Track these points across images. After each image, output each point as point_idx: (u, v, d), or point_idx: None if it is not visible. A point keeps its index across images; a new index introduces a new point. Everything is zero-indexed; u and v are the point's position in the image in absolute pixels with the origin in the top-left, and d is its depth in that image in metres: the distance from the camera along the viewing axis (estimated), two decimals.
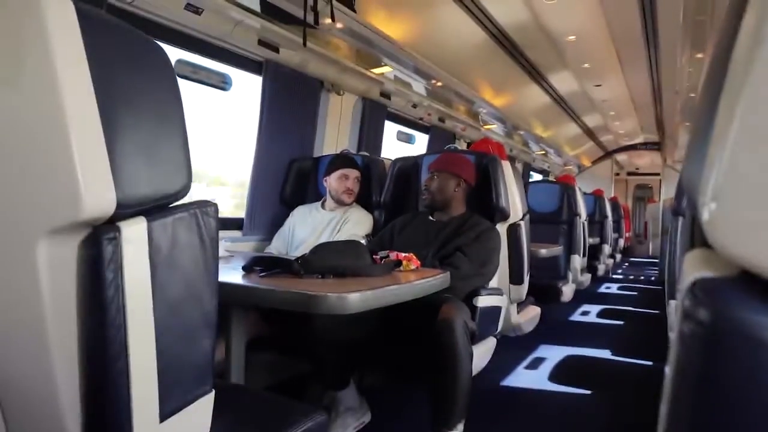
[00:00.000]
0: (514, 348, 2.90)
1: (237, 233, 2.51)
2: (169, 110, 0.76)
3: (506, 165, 2.24)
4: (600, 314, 4.27)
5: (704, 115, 0.41)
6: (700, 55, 4.02)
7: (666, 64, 4.94)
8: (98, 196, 0.66)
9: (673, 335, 0.38)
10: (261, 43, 2.43)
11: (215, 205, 0.83)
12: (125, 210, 0.70)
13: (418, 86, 3.88)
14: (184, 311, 0.78)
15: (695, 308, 0.35)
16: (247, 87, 2.68)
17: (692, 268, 0.37)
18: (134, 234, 0.71)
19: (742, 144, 0.35)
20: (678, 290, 0.40)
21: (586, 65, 5.13)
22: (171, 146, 0.76)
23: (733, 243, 0.35)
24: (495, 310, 2.02)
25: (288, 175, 2.65)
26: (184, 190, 0.78)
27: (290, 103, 2.66)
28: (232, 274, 1.34)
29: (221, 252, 1.62)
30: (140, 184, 0.72)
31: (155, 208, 0.75)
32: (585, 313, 4.27)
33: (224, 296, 0.93)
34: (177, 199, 0.78)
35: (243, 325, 1.40)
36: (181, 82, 1.76)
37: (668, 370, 0.39)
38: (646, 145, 10.25)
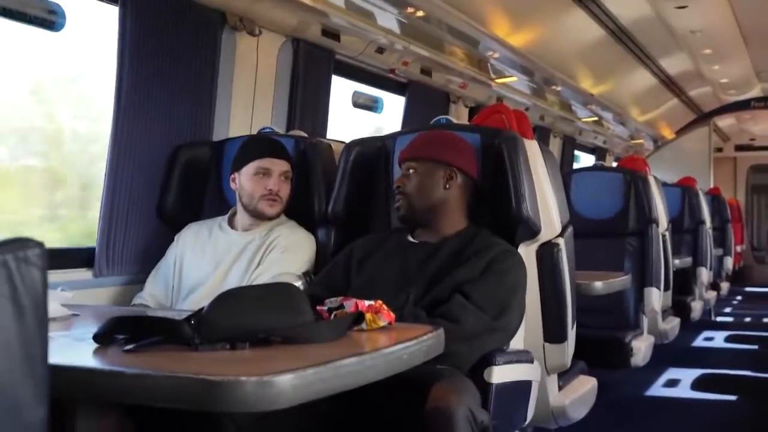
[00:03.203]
0: None
1: (84, 274, 2.50)
2: None
3: (532, 146, 2.28)
4: (697, 385, 4.33)
5: None
6: None
7: None
8: None
9: None
10: None
11: (40, 245, 0.81)
12: None
13: (387, 18, 3.90)
14: None
15: None
16: (97, 25, 2.68)
17: None
18: None
19: None
20: None
21: None
22: None
23: None
24: (521, 388, 2.04)
25: (170, 174, 2.65)
26: None
27: (170, 50, 2.67)
28: (75, 350, 1.33)
29: (56, 311, 1.59)
30: None
31: None
32: (672, 384, 4.34)
33: (62, 390, 0.91)
34: None
35: None
36: None
37: None
38: (766, 101, 10.47)
